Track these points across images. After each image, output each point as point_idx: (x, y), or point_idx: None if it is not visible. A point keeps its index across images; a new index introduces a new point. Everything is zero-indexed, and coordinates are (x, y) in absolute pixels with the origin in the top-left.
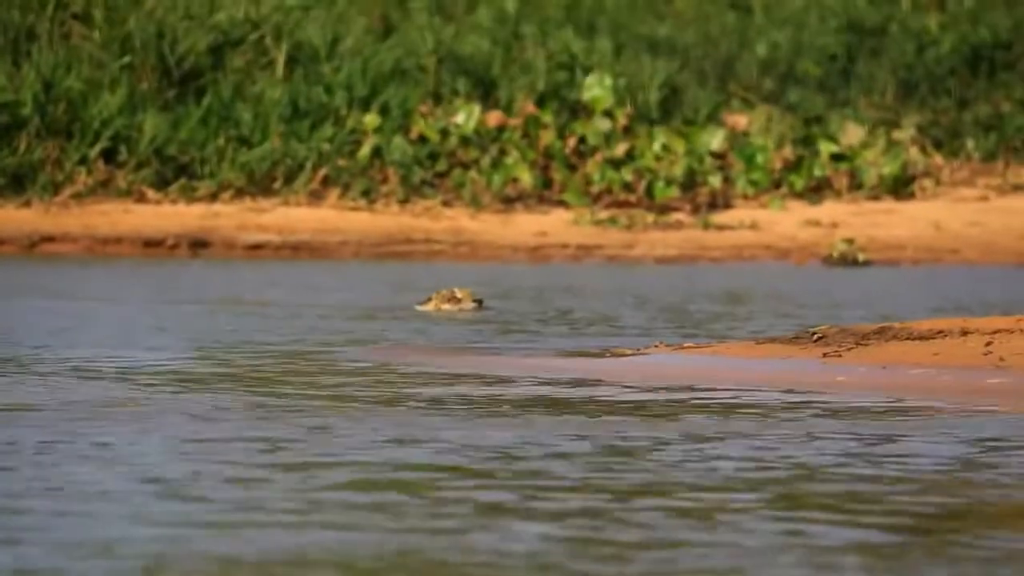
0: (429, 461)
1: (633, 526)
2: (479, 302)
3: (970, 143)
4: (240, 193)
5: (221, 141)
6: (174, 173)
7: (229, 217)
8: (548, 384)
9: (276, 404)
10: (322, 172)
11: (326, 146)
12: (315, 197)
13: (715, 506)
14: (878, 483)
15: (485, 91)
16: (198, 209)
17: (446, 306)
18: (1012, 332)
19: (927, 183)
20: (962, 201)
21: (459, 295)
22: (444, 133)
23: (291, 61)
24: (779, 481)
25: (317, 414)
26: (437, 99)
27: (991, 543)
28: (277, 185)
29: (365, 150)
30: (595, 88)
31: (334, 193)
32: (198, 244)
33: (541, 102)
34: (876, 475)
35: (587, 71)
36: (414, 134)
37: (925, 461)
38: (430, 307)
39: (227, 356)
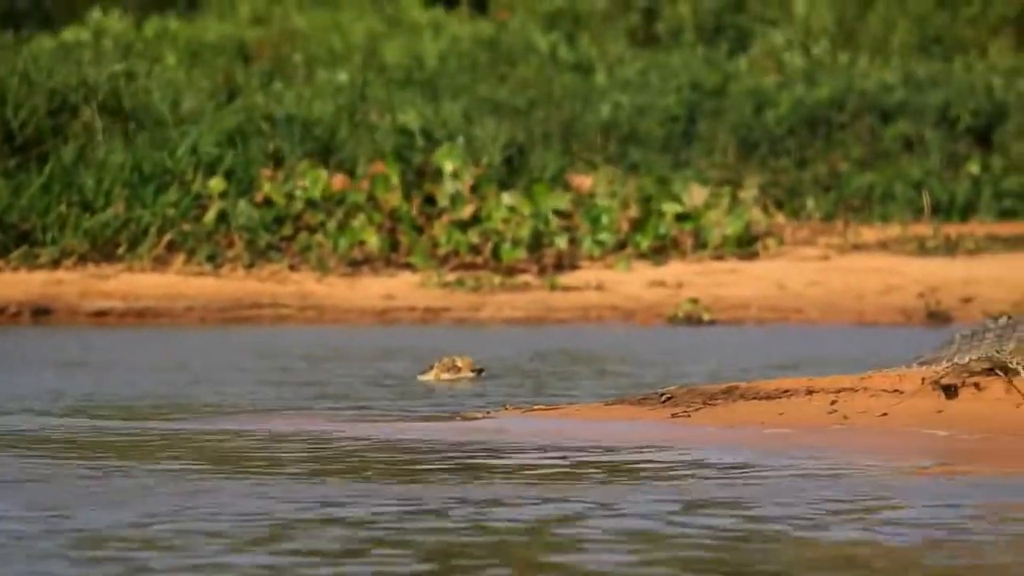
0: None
1: None
2: (479, 371)
3: (810, 202)
4: (83, 259)
5: (63, 207)
6: (15, 240)
7: (72, 284)
8: (380, 449)
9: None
10: (167, 237)
11: (171, 211)
12: (160, 262)
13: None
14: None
15: (329, 154)
16: (40, 276)
17: (446, 375)
18: (856, 391)
19: (770, 242)
20: (804, 260)
21: (459, 364)
22: (290, 197)
23: (134, 125)
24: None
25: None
26: (281, 163)
27: None
28: (121, 251)
29: (211, 214)
30: (441, 151)
31: (179, 258)
32: (40, 312)
33: (387, 164)
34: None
35: (432, 134)
36: (259, 198)
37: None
38: (431, 376)
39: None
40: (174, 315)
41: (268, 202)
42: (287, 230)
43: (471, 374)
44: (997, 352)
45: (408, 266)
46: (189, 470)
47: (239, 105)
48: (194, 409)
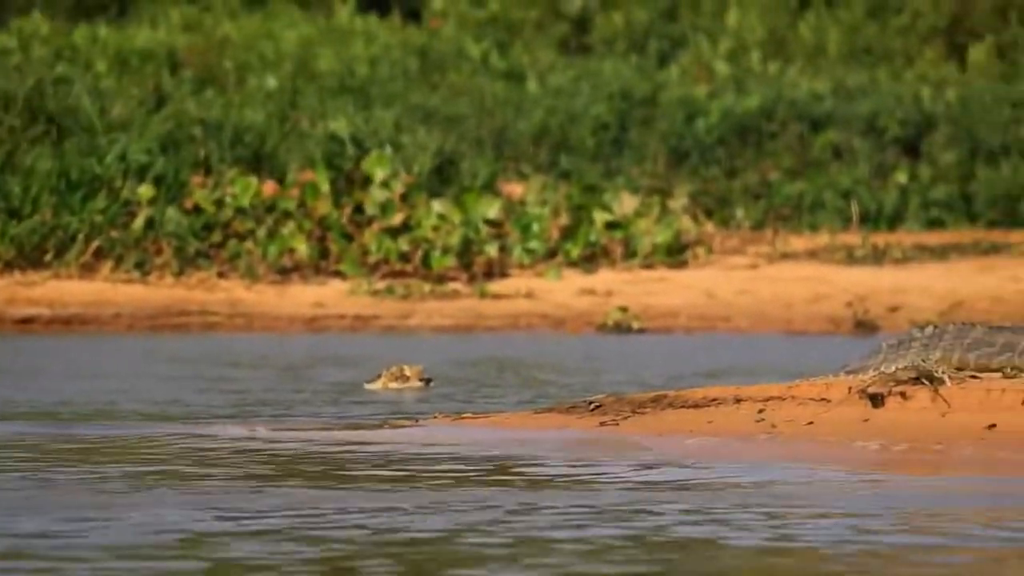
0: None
1: None
2: (427, 381)
3: (739, 211)
4: (9, 266)
5: None
6: None
7: None
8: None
9: None
10: (95, 244)
11: (99, 217)
12: (87, 269)
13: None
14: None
15: (260, 162)
16: None
17: (394, 384)
18: (783, 399)
19: (699, 251)
20: (733, 269)
21: (408, 372)
22: (219, 204)
23: (62, 132)
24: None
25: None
26: (211, 170)
27: None
28: (48, 258)
29: (139, 221)
30: (371, 158)
31: (107, 265)
32: None
33: (317, 171)
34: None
35: (362, 141)
36: (189, 205)
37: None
38: (378, 385)
39: None
40: (102, 322)
41: (197, 209)
42: (216, 237)
43: (419, 383)
44: (923, 361)
45: (338, 274)
46: (108, 476)
47: (169, 112)
48: (117, 415)
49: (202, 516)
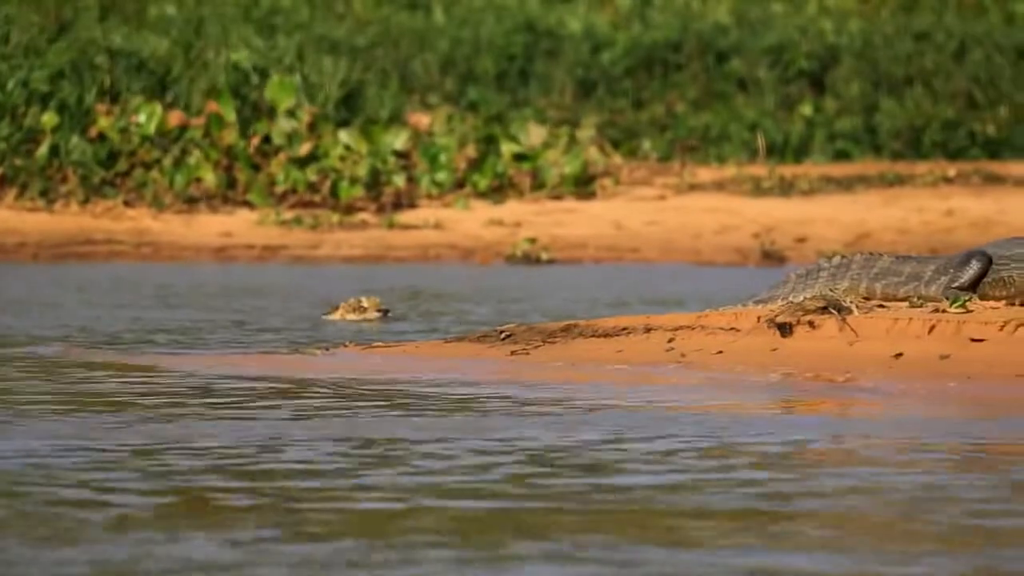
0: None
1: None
2: (385, 311)
3: (647, 143)
4: None
5: None
6: None
7: None
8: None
9: None
10: None
11: (2, 145)
12: None
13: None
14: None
15: (164, 90)
16: None
17: (352, 316)
18: (693, 329)
19: (607, 183)
20: (640, 200)
21: (365, 304)
22: (124, 132)
23: None
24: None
25: None
26: (115, 98)
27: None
28: None
29: (43, 149)
30: (277, 88)
31: (11, 193)
32: None
33: (222, 101)
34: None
35: (267, 71)
36: (93, 133)
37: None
38: (336, 316)
39: None
40: (6, 251)
41: (102, 137)
42: (122, 166)
43: (377, 314)
44: (831, 291)
45: (246, 203)
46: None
47: (72, 39)
48: (14, 342)
49: (41, 445)
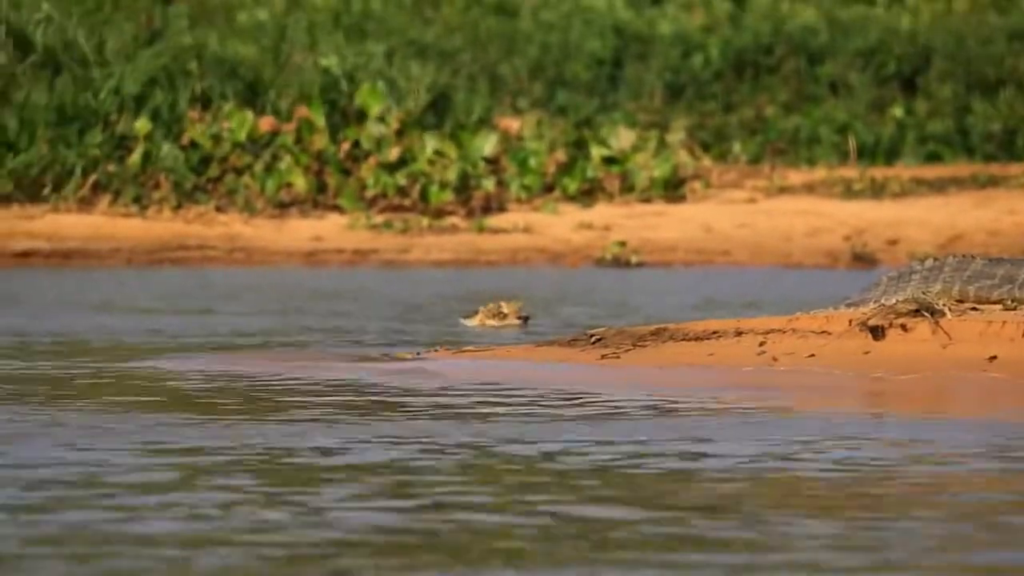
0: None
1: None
2: (525, 318)
3: (737, 146)
4: (8, 200)
5: None
6: None
7: None
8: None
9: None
10: (92, 178)
11: (96, 151)
12: (85, 203)
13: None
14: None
15: (255, 96)
16: None
17: (491, 322)
18: (784, 332)
19: (697, 186)
20: (731, 203)
21: (505, 311)
22: (216, 139)
23: (57, 66)
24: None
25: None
26: (206, 105)
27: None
28: (46, 191)
29: (136, 156)
30: (366, 93)
31: (105, 199)
32: None
33: (312, 107)
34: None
35: (356, 76)
36: (185, 140)
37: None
38: (475, 322)
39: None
40: (101, 256)
41: (194, 144)
42: (214, 172)
43: (517, 321)
44: (923, 293)
45: (336, 208)
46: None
47: (163, 46)
48: (120, 350)
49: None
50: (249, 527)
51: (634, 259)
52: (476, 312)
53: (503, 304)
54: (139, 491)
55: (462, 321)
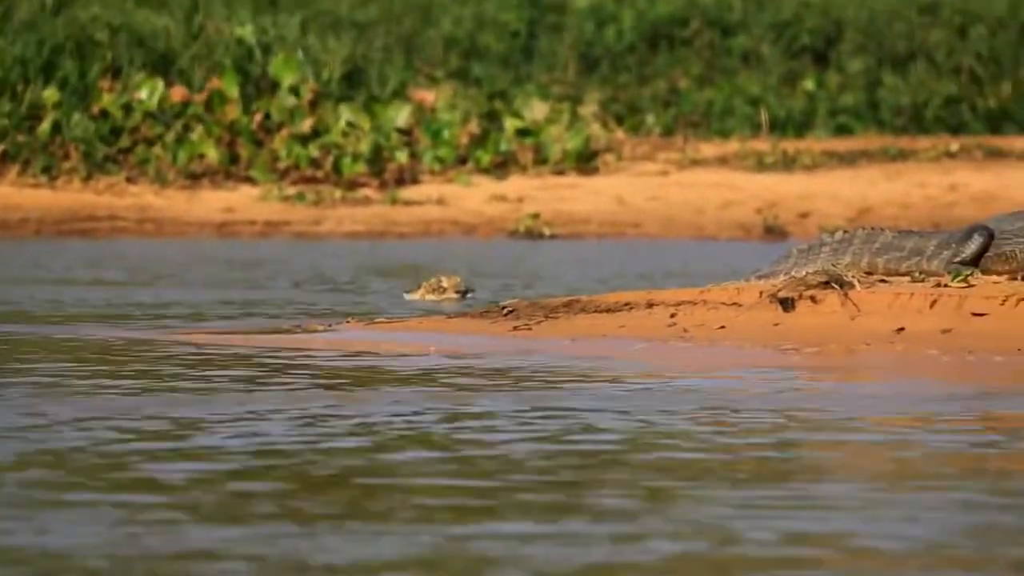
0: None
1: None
2: (464, 292)
3: (650, 118)
4: None
5: None
6: None
7: None
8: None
9: None
10: (0, 148)
11: (3, 121)
12: None
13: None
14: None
15: (167, 67)
16: None
17: (431, 296)
18: (695, 304)
19: (610, 158)
20: (643, 176)
21: (445, 284)
22: (127, 109)
23: None
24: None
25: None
26: (117, 75)
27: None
28: None
29: (45, 126)
30: (280, 64)
31: (14, 170)
32: None
33: (225, 77)
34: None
35: (270, 47)
36: (96, 110)
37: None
38: (417, 296)
39: None
40: (9, 227)
41: (105, 114)
42: (124, 142)
43: (455, 295)
44: (833, 266)
45: (248, 179)
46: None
47: (72, 15)
48: (28, 318)
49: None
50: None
51: (547, 231)
52: (418, 287)
53: (443, 278)
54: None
55: (404, 295)
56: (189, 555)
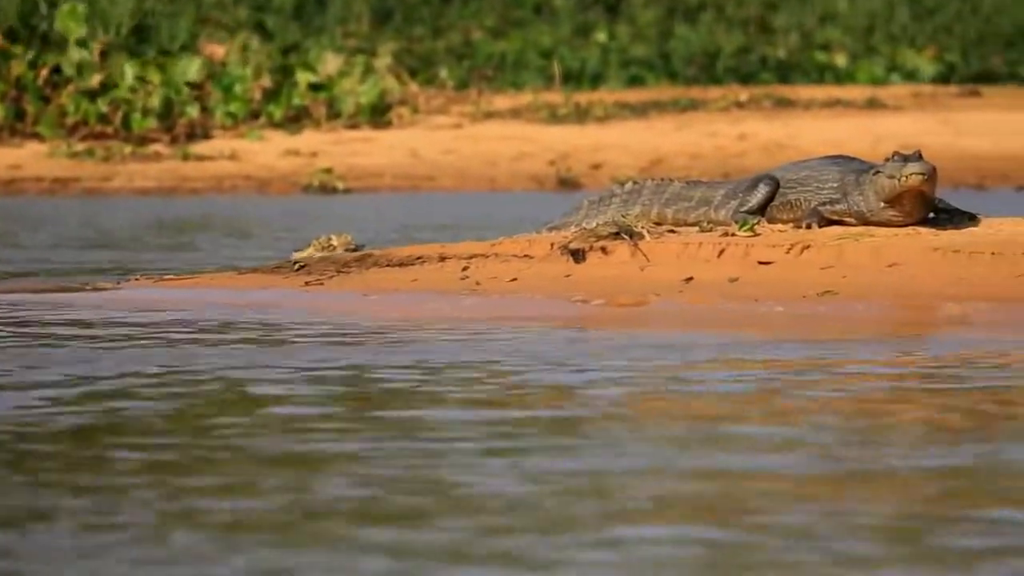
0: None
1: None
2: (354, 250)
3: (444, 71)
4: None
5: None
6: None
7: None
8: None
9: None
10: None
11: None
12: None
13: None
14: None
15: None
16: None
17: (320, 254)
18: (487, 256)
19: (404, 111)
20: (437, 129)
21: (335, 242)
22: None
23: None
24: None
25: None
26: None
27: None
28: None
29: None
30: (66, 16)
31: None
32: None
33: (10, 33)
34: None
35: (57, 2)
36: None
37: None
38: (305, 254)
39: None
40: None
41: None
42: None
43: (344, 253)
44: (623, 217)
45: (35, 136)
46: None
47: None
48: None
49: None
50: None
51: (340, 185)
52: (308, 245)
53: (333, 237)
54: None
55: (294, 255)
56: None
